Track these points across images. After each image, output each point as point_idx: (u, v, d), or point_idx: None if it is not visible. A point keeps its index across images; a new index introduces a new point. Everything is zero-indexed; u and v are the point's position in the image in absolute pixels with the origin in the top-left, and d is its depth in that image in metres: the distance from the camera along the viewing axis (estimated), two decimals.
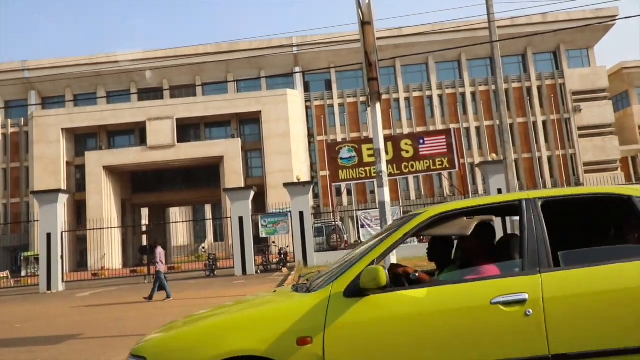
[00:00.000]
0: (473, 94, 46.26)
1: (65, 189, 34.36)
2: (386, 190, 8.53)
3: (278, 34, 42.88)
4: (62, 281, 21.42)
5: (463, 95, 46.13)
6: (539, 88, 46.62)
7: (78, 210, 42.39)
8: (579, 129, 45.41)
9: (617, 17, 41.32)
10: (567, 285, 2.94)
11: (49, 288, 20.66)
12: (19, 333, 10.18)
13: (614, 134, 45.93)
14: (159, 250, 15.10)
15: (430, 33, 42.40)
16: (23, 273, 35.94)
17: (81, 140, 45.02)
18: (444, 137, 22.23)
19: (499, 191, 20.51)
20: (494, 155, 41.85)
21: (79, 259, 41.00)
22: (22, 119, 45.63)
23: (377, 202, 8.91)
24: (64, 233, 21.98)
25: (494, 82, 27.87)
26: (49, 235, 20.93)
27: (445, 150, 21.75)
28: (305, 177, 40.56)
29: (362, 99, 45.12)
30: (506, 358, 2.78)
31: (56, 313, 13.19)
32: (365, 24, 8.48)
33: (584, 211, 3.86)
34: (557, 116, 46.08)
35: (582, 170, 44.50)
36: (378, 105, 8.68)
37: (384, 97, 45.06)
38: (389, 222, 8.43)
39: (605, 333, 2.94)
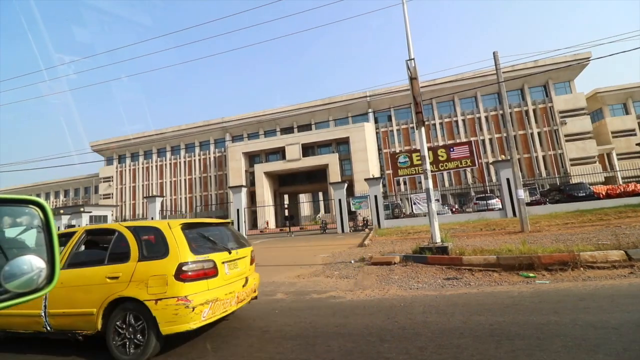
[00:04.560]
0: (486, 117, 41.80)
1: (245, 185, 37.21)
2: (430, 181, 8.04)
3: (357, 90, 42.18)
4: (246, 234, 23.05)
5: (479, 118, 41.88)
6: (534, 110, 40.89)
7: (251, 197, 45.38)
8: (566, 136, 39.12)
9: (590, 58, 35.31)
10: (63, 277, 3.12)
11: None
12: None
13: (593, 138, 38.93)
14: None
15: (454, 80, 39.17)
16: None
17: (252, 158, 47.87)
18: (467, 146, 20.37)
19: (507, 181, 18.40)
20: (503, 156, 37.62)
21: (252, 223, 43.90)
22: (222, 148, 49.95)
23: (423, 188, 8.40)
24: (245, 209, 23.60)
25: (501, 109, 25.01)
26: (237, 210, 22.73)
27: (468, 154, 19.93)
28: (377, 174, 39.70)
29: (411, 125, 43.05)
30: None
31: None
32: (413, 79, 8.07)
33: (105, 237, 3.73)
34: (548, 128, 40.11)
35: (569, 164, 38.28)
36: (422, 129, 8.21)
37: (426, 123, 42.72)
38: (432, 202, 7.95)
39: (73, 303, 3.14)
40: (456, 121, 42.64)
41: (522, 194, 11.69)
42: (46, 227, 0.90)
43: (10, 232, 0.88)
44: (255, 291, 4.12)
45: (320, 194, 63.47)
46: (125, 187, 52.71)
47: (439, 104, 43.28)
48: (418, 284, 5.49)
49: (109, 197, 52.19)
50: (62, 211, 26.88)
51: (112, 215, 29.59)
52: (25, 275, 0.78)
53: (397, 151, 42.83)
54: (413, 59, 8.10)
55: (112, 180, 53.12)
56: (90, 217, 26.50)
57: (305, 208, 60.90)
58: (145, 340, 2.87)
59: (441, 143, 40.84)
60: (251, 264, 4.29)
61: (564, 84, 41.12)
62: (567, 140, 39.07)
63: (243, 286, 3.71)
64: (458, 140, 40.20)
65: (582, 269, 5.35)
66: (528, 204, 19.35)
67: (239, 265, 3.78)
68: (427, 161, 8.18)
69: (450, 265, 6.53)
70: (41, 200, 0.91)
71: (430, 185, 7.96)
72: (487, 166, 39.15)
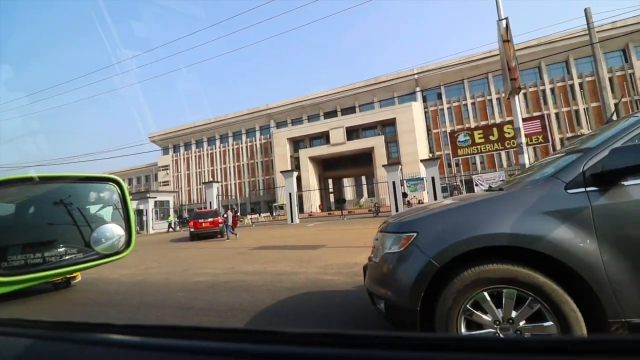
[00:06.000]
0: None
1: (296, 169, 37.60)
2: (526, 156, 7.13)
3: (404, 68, 40.05)
4: (298, 218, 23.30)
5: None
6: None
7: (297, 182, 45.88)
8: None
9: None
10: None
11: (291, 221, 22.73)
12: (291, 242, 10.93)
13: None
14: (230, 213, 13.96)
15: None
16: (274, 214, 40.39)
17: (296, 143, 48.20)
18: (538, 120, 18.33)
19: None
20: (582, 130, 33.46)
21: (299, 207, 44.53)
22: (268, 135, 50.83)
23: (519, 164, 7.45)
24: (296, 193, 23.79)
25: (591, 75, 19.10)
26: (290, 194, 23.00)
27: (540, 129, 17.95)
28: (426, 156, 37.84)
29: (463, 102, 40.05)
30: None
31: (303, 233, 14.01)
32: (505, 41, 7.05)
33: None
34: None
35: None
36: (517, 98, 7.22)
37: (481, 98, 39.31)
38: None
39: None
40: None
41: None
42: (123, 200, 1.04)
43: (91, 209, 1.01)
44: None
45: (363, 178, 62.76)
46: (180, 175, 56.27)
47: (497, 78, 39.51)
48: None
49: (167, 184, 56.13)
50: (131, 197, 29.18)
51: (173, 200, 31.68)
52: (109, 240, 0.92)
53: (448, 131, 40.36)
54: (505, 18, 7.06)
55: (169, 169, 56.93)
56: (155, 202, 28.59)
57: (348, 192, 60.51)
58: None
59: (499, 120, 37.46)
60: None
61: None
62: None
63: None
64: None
65: None
66: None
67: None
68: (523, 134, 7.23)
69: None
70: (118, 178, 1.07)
71: (527, 160, 7.06)
72: (562, 143, 35.14)
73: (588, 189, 1.60)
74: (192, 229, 14.73)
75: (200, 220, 14.71)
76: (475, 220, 1.79)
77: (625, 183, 1.55)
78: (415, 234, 1.89)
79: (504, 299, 1.67)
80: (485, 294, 1.69)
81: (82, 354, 0.46)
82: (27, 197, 0.95)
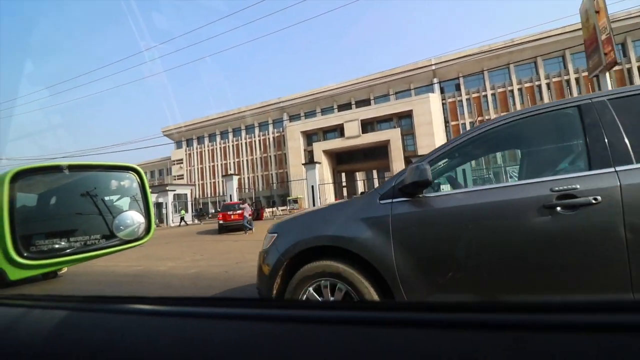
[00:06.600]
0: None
1: (319, 162, 37.15)
2: None
3: (420, 60, 39.07)
4: None
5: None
6: None
7: None
8: None
9: None
10: None
11: None
12: None
13: None
14: (245, 205, 13.83)
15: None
16: (289, 207, 40.06)
17: (310, 137, 47.51)
18: None
19: None
20: None
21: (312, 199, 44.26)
22: (281, 128, 50.27)
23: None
24: (319, 186, 23.36)
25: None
26: (312, 187, 22.59)
27: None
28: None
29: (483, 93, 38.88)
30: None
31: None
32: (597, 12, 6.42)
33: None
34: None
35: None
36: (607, 74, 6.60)
37: (501, 89, 38.11)
38: None
39: None
40: (538, 84, 37.33)
41: None
42: (142, 188, 1.09)
43: (112, 197, 1.08)
44: None
45: (374, 172, 61.93)
46: (194, 169, 56.29)
47: (518, 68, 38.24)
48: None
49: (182, 178, 56.25)
50: (150, 189, 29.36)
51: (190, 193, 31.57)
52: (130, 227, 0.98)
53: (467, 122, 39.34)
54: None
55: (183, 163, 56.97)
56: (174, 195, 28.49)
57: (360, 185, 60.06)
58: None
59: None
60: None
61: None
62: None
63: None
64: None
65: None
66: None
67: None
68: None
69: None
70: (138, 167, 1.11)
71: None
72: None
73: (394, 200, 1.86)
74: (220, 221, 14.39)
75: (229, 213, 14.37)
76: (311, 224, 2.12)
77: (420, 195, 1.81)
78: (276, 235, 2.20)
79: (322, 288, 1.94)
80: (311, 288, 1.97)
81: (114, 322, 0.50)
82: (51, 185, 0.99)
